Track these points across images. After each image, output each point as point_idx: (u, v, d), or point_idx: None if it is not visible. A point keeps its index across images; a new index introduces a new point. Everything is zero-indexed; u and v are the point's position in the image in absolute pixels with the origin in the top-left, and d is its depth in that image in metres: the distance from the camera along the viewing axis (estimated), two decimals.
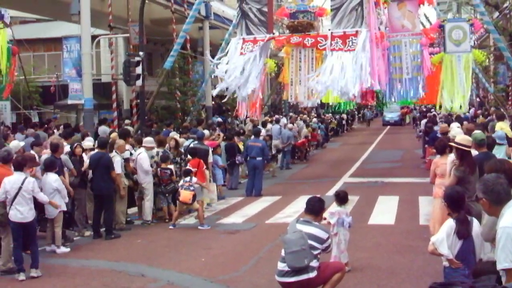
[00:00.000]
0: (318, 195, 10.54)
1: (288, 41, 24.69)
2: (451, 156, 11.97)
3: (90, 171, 16.55)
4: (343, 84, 22.35)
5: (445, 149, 13.24)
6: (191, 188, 17.07)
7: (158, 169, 18.14)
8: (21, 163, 12.84)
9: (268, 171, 28.18)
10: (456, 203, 8.44)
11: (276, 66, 29.12)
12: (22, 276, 12.22)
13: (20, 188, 12.35)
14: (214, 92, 26.46)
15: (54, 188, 14.25)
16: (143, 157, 17.70)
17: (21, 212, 12.30)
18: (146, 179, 17.62)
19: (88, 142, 18.45)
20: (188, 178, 17.26)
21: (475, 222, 8.13)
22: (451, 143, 12.04)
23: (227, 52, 25.66)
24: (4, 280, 12.21)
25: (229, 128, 33.73)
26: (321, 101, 33.89)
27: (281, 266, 9.47)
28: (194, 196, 17.07)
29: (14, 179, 12.50)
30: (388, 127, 67.50)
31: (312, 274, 9.28)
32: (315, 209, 9.87)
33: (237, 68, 24.54)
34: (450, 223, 8.13)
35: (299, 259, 9.18)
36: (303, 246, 9.16)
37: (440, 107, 26.36)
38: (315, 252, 9.35)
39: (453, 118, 30.07)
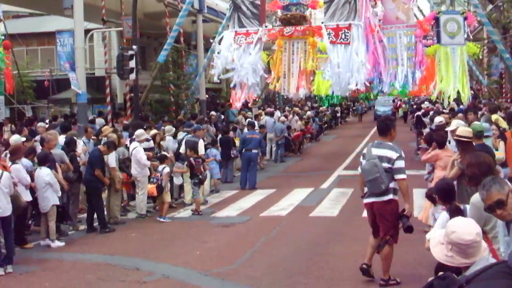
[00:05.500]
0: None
1: (281, 34, 24.64)
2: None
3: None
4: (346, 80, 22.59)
5: (444, 142, 13.40)
6: (155, 180, 17.16)
7: (191, 159, 18.25)
8: None
9: (263, 164, 28.28)
10: (447, 195, 8.48)
11: (269, 58, 29.11)
12: (0, 271, 12.20)
13: None
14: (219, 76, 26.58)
15: (46, 182, 14.27)
16: (139, 151, 17.71)
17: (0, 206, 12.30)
18: (142, 172, 17.62)
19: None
20: (161, 167, 17.38)
21: (468, 209, 8.08)
22: (454, 136, 12.15)
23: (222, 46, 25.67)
24: None
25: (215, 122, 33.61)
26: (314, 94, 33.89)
27: (366, 189, 10.60)
28: (159, 188, 17.16)
29: None
30: None
31: (387, 198, 10.30)
32: (381, 129, 10.65)
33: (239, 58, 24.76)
34: (444, 216, 8.11)
35: (376, 186, 10.23)
36: (377, 173, 10.13)
37: (436, 100, 26.36)
38: (391, 172, 10.23)
39: (447, 111, 30.09)
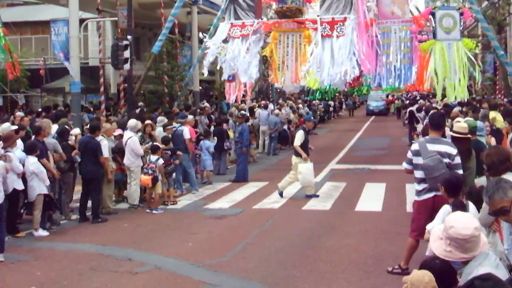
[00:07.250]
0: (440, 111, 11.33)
1: (276, 26, 24.54)
2: None
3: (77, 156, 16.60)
4: (332, 72, 22.42)
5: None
6: (150, 171, 17.11)
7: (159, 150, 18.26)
8: None
9: (255, 156, 28.35)
10: (454, 188, 8.43)
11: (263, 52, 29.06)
12: None
13: None
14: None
15: (31, 171, 14.21)
16: (135, 141, 17.64)
17: None
18: (135, 162, 17.57)
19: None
20: (154, 158, 17.31)
21: (471, 206, 8.07)
22: (450, 132, 12.17)
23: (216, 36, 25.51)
24: None
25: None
26: (308, 87, 33.81)
27: (418, 187, 10.65)
28: (154, 179, 17.12)
29: None
30: (373, 116, 66.73)
31: None
32: (437, 124, 10.84)
33: (236, 51, 24.45)
34: (446, 209, 8.09)
35: None
36: (443, 169, 10.12)
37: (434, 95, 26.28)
38: (450, 167, 10.25)
39: (440, 106, 30.08)
